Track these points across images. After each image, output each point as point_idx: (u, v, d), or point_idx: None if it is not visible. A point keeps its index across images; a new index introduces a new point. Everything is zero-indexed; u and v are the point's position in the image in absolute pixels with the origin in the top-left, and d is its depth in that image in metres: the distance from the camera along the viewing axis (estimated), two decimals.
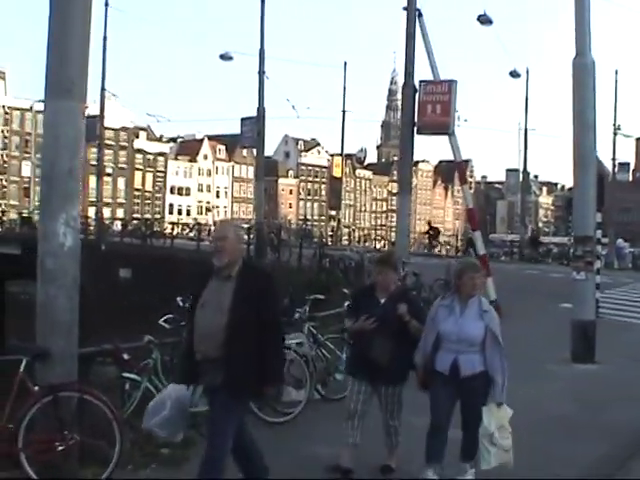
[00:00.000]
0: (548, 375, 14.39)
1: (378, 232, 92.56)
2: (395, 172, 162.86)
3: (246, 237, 48.97)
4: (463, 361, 7.67)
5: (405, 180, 26.31)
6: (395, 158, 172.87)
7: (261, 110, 40.73)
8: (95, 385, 8.32)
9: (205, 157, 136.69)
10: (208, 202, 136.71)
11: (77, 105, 8.10)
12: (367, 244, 69.44)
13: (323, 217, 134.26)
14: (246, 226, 63.75)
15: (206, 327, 6.56)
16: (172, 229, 59.20)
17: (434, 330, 7.82)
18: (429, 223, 72.22)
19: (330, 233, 77.13)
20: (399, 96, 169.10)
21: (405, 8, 24.70)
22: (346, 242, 69.04)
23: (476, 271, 7.94)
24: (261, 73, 40.36)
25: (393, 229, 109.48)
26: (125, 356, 9.39)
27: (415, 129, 25.00)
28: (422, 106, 24.86)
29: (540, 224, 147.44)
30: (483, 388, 7.72)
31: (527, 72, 58.66)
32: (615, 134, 57.14)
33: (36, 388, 7.47)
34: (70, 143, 7.94)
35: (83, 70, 8.16)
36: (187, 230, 62.07)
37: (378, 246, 66.63)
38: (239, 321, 6.46)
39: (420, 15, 24.67)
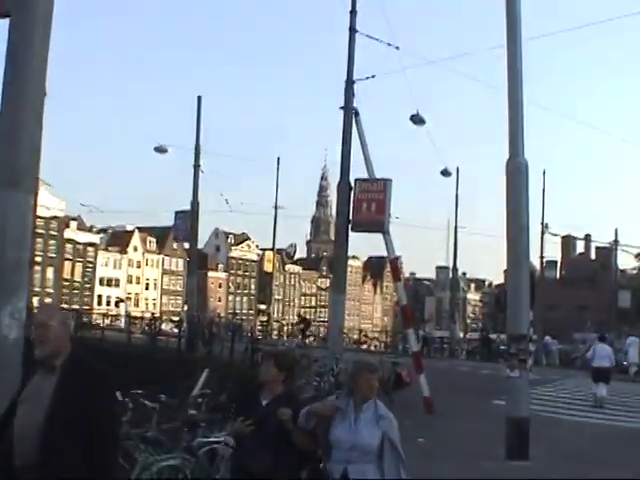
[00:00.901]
0: (483, 472, 14.38)
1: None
2: (324, 267, 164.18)
3: (176, 330, 48.70)
4: (354, 472, 6.69)
5: (339, 278, 26.42)
6: (325, 253, 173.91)
7: (195, 204, 40.82)
8: None
9: (135, 249, 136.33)
10: (137, 294, 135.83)
11: (26, 197, 8.06)
12: (295, 339, 69.33)
13: (252, 311, 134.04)
14: (176, 319, 63.69)
15: (23, 426, 5.53)
16: (103, 321, 58.76)
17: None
18: (299, 315, 73.75)
19: (259, 327, 76.83)
20: (330, 192, 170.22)
21: (342, 107, 25.14)
22: (276, 337, 68.75)
23: (372, 371, 7.08)
24: (196, 167, 40.59)
25: (322, 324, 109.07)
26: None
27: (350, 226, 25.26)
28: (357, 204, 25.14)
29: (468, 320, 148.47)
30: None
31: (457, 171, 60.07)
32: (543, 233, 58.32)
33: None
34: (17, 235, 7.88)
35: (33, 162, 8.15)
36: (116, 321, 61.80)
37: (307, 341, 66.58)
38: (59, 421, 5.44)
39: (357, 114, 25.14)
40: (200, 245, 66.48)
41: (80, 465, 5.43)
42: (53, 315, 5.87)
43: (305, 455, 7.07)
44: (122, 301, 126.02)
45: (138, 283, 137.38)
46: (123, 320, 69.67)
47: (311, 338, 62.22)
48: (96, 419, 5.52)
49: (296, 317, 75.59)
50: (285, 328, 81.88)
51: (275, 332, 74.31)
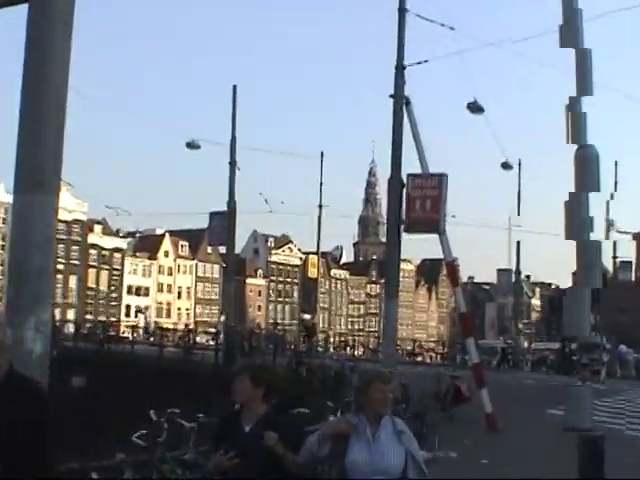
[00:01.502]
0: None
1: (357, 338, 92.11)
2: (374, 272, 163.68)
3: (213, 343, 48.84)
4: None
5: (392, 283, 26.14)
6: (374, 257, 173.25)
7: (232, 204, 40.68)
8: None
9: (166, 254, 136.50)
10: (169, 303, 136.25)
11: (49, 199, 8.02)
12: (343, 351, 69.33)
13: (295, 321, 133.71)
14: (212, 330, 63.94)
15: None
16: (132, 333, 59.24)
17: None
18: (302, 320, 75.37)
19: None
20: (378, 189, 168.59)
21: (392, 96, 24.83)
22: (322, 349, 68.73)
23: (385, 382, 6.48)
24: (232, 163, 40.46)
25: (372, 334, 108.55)
26: (94, 476, 9.23)
27: (402, 227, 24.96)
28: (410, 202, 24.77)
29: (533, 328, 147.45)
30: None
31: (519, 164, 57.10)
32: (608, 230, 56.87)
33: None
34: (41, 240, 7.84)
35: (57, 162, 8.11)
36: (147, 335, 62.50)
37: (357, 353, 66.66)
38: None
39: (408, 103, 24.81)
40: (237, 249, 66.61)
41: None
42: None
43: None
44: (141, 311, 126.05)
45: (170, 292, 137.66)
46: (141, 332, 70.40)
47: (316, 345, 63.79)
48: (29, 436, 5.28)
49: (301, 323, 76.74)
50: (332, 339, 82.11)
51: (321, 344, 74.43)
